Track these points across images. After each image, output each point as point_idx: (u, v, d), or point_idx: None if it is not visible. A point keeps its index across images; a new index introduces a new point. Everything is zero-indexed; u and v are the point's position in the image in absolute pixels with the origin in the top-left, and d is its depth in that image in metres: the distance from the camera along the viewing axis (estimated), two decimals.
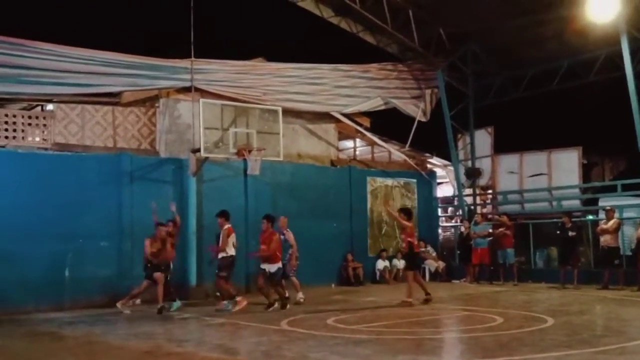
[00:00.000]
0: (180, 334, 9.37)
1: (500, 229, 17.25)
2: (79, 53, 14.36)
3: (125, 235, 13.86)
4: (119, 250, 13.78)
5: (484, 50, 19.42)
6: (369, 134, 19.32)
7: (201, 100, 14.44)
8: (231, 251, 11.97)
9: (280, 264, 12.17)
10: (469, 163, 20.33)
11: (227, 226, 12.07)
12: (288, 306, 11.99)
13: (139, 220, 13.85)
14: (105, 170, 13.94)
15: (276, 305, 11.96)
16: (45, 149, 13.99)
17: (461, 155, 20.55)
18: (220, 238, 12.04)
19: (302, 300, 12.95)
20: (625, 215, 16.23)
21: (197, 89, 15.47)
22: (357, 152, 20.13)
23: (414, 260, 13.43)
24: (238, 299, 11.79)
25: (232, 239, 12.06)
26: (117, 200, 13.95)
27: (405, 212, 13.34)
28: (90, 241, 13.37)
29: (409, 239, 12.92)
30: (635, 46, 15.97)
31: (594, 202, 18.13)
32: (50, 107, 14.75)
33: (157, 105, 15.51)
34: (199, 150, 14.04)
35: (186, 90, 15.49)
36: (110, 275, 13.53)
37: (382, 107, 19.20)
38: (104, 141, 14.76)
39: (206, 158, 14.46)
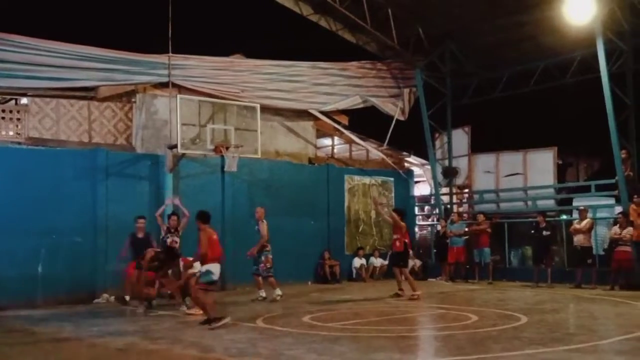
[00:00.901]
0: (155, 332, 9.28)
1: (478, 226, 17.37)
2: (55, 46, 14.18)
3: (99, 231, 13.70)
4: (93, 246, 13.61)
5: (462, 51, 19.54)
6: (347, 132, 19.35)
7: (178, 96, 14.33)
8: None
9: (214, 265, 9.68)
10: (446, 162, 20.46)
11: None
12: (225, 320, 9.44)
13: (114, 216, 13.74)
14: (80, 166, 13.76)
15: (214, 324, 9.40)
16: (19, 143, 13.79)
17: (438, 154, 20.67)
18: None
19: (278, 297, 12.88)
20: (598, 215, 16.47)
21: (174, 85, 15.35)
22: (335, 150, 20.15)
23: (407, 259, 14.26)
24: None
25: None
26: (92, 196, 13.78)
27: (400, 212, 14.10)
28: (64, 237, 13.19)
29: (405, 240, 13.67)
30: (610, 48, 16.19)
31: (568, 202, 18.36)
32: (24, 100, 14.53)
33: (133, 100, 15.37)
34: (175, 146, 13.93)
35: (163, 85, 15.37)
36: (85, 271, 13.37)
37: (361, 106, 19.25)
38: (79, 136, 14.59)
39: (183, 154, 14.34)
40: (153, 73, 15.33)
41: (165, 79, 15.28)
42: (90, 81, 14.67)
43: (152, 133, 15.37)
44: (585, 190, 18.24)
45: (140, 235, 12.73)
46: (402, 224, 13.60)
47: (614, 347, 7.88)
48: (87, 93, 14.82)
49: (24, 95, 14.34)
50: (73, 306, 12.37)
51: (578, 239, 15.35)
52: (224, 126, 14.27)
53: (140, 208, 13.80)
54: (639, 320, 9.91)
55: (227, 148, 14.13)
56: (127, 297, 12.34)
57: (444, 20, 18.15)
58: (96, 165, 13.91)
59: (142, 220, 12.87)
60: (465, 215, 19.60)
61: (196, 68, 16.13)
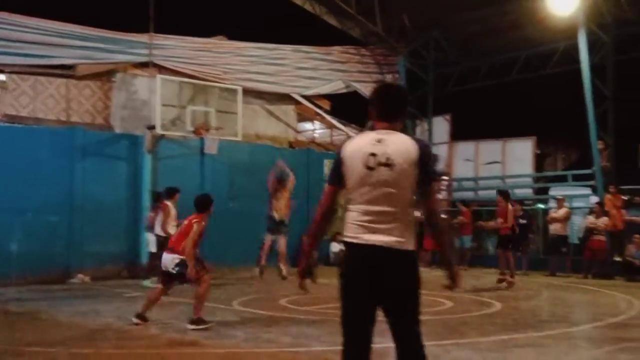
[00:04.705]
0: (129, 312, 9.21)
1: (459, 219, 17.40)
2: (34, 23, 13.95)
3: (76, 210, 13.54)
4: (69, 225, 13.47)
5: (445, 39, 19.56)
6: (328, 117, 19.31)
7: (159, 76, 14.20)
8: None
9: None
10: None
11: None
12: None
13: (91, 195, 13.60)
14: (57, 144, 13.56)
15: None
16: None
17: None
18: None
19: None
20: (574, 204, 16.65)
21: (155, 65, 15.19)
22: (316, 135, 20.12)
23: None
24: None
25: None
26: (69, 175, 13.60)
27: None
28: (39, 215, 13.02)
29: None
30: (592, 40, 16.30)
31: (546, 191, 18.54)
32: (1, 77, 14.29)
33: (113, 79, 15.19)
34: (154, 127, 13.81)
35: (144, 65, 15.21)
36: (60, 250, 13.24)
37: (343, 91, 19.21)
38: (56, 114, 14.41)
39: (162, 135, 14.24)
40: (133, 52, 15.15)
41: (145, 59, 15.11)
42: (69, 59, 14.48)
43: (131, 113, 15.21)
44: (562, 180, 18.43)
45: None
46: None
47: (584, 334, 8.01)
48: (65, 71, 14.63)
49: (1, 72, 14.11)
50: (47, 285, 12.25)
51: (554, 228, 15.53)
52: (204, 108, 14.18)
53: (117, 188, 13.69)
54: (609, 308, 10.06)
55: (207, 130, 14.04)
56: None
57: (428, 8, 18.11)
58: (73, 144, 13.71)
59: None
60: (444, 202, 19.70)
61: (177, 48, 15.97)
